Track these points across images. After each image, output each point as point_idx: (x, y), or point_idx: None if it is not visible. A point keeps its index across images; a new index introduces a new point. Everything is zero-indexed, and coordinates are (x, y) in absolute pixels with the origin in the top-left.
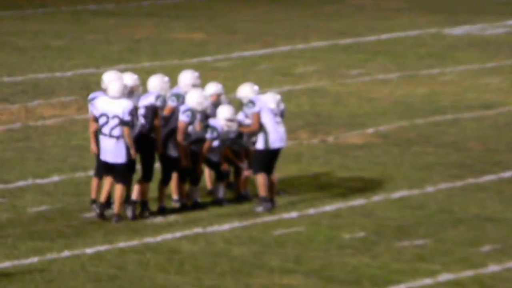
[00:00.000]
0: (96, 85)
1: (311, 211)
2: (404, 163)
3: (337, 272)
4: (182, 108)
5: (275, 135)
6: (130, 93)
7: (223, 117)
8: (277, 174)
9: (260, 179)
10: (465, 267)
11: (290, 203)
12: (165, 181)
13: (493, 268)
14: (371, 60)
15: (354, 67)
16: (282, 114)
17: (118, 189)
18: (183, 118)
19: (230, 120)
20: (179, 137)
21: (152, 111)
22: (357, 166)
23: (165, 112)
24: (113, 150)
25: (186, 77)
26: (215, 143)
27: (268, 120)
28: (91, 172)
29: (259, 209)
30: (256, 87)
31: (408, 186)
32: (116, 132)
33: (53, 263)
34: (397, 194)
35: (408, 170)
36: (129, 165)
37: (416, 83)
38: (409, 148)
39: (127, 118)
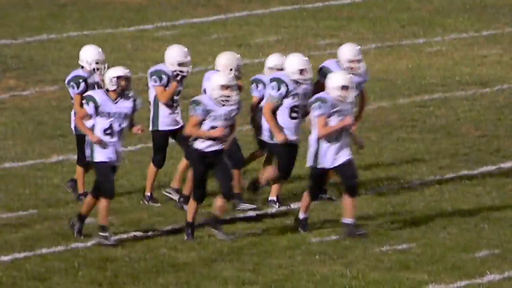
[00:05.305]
0: (13, 59)
1: (272, 209)
2: (385, 151)
3: (303, 283)
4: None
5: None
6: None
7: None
8: None
9: None
10: (457, 276)
11: (247, 199)
12: None
13: (490, 277)
14: (344, 28)
15: (324, 37)
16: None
17: None
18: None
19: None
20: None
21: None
22: None
23: None
24: None
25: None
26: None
27: None
28: (14, 163)
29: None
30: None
31: (389, 180)
32: None
33: None
34: (376, 189)
35: (389, 160)
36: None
37: (397, 55)
38: (390, 133)
39: None
